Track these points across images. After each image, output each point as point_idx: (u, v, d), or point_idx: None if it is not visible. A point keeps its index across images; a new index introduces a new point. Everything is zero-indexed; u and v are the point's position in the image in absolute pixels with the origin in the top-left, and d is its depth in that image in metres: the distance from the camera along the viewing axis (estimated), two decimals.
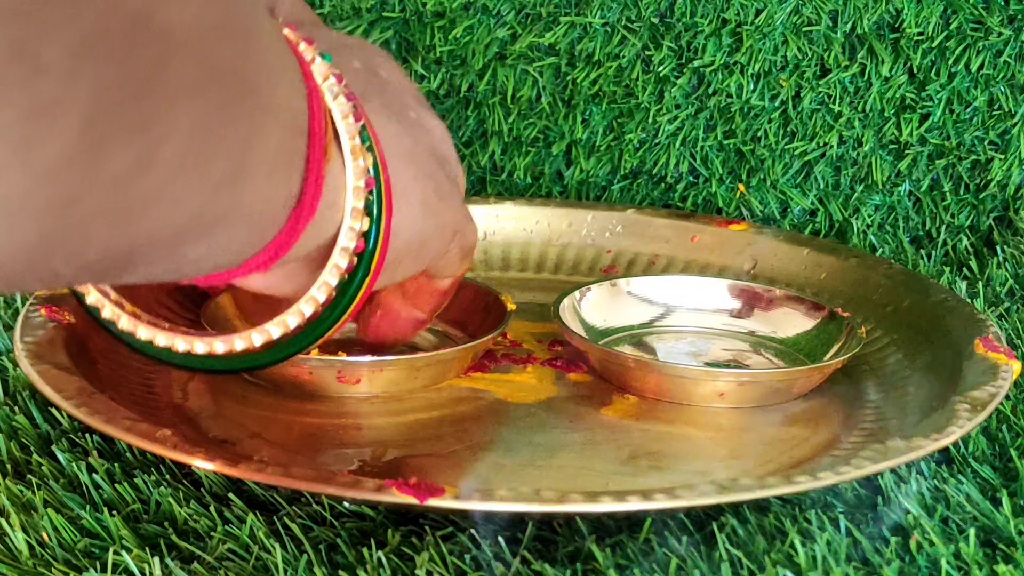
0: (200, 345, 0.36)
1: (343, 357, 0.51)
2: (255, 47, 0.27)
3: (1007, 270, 0.65)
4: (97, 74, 0.22)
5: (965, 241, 0.70)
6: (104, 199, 0.23)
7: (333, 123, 0.33)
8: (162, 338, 0.37)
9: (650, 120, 0.70)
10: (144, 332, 0.37)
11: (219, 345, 0.36)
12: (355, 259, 0.35)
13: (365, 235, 0.34)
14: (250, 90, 0.27)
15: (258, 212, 0.29)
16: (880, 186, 0.71)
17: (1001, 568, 0.39)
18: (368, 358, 0.51)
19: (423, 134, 0.40)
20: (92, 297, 0.37)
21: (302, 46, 0.32)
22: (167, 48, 0.23)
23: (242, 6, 0.27)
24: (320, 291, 0.35)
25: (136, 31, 0.22)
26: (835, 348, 0.54)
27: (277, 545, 0.39)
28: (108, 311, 0.37)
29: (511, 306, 0.54)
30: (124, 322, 0.37)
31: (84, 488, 0.43)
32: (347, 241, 0.34)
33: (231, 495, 0.42)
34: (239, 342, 0.36)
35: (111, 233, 0.24)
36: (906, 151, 0.70)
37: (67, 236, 0.23)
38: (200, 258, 0.29)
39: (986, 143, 0.70)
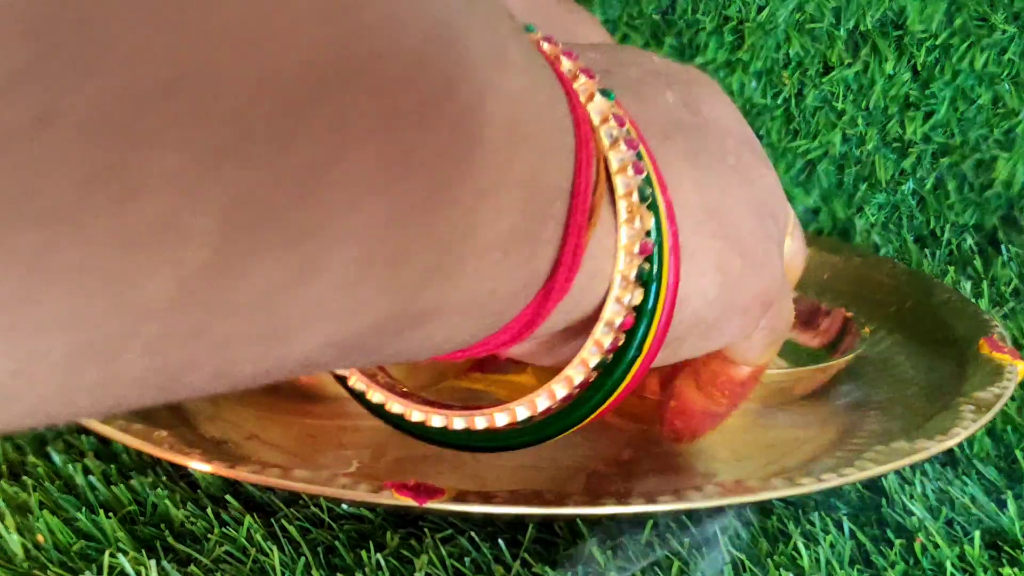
0: (458, 421, 0.33)
1: None
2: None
3: (1012, 269, 0.64)
4: (233, 179, 0.16)
5: (970, 240, 0.69)
6: (247, 322, 0.19)
7: (608, 174, 0.27)
8: (416, 414, 0.33)
9: None
10: (397, 406, 0.34)
11: (478, 420, 0.33)
12: (622, 336, 0.29)
13: (637, 309, 0.28)
14: (472, 166, 0.21)
15: (484, 301, 0.24)
16: (884, 185, 0.70)
17: (1006, 570, 0.39)
18: None
19: (740, 185, 0.32)
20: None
21: (580, 80, 0.27)
22: (342, 133, 0.18)
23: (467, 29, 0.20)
24: (576, 371, 0.30)
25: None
26: (839, 348, 0.53)
27: (275, 547, 0.39)
28: (355, 381, 0.34)
29: None
30: (376, 395, 0.34)
31: (80, 490, 0.42)
32: (612, 315, 0.28)
33: (228, 497, 0.42)
34: (480, 420, 0.32)
35: (261, 353, 0.20)
36: (910, 149, 0.70)
37: (196, 365, 0.19)
38: (419, 345, 0.24)
39: (991, 141, 0.70)
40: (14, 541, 0.39)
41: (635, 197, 0.27)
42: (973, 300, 0.58)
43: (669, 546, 0.40)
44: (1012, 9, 0.68)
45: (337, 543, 0.40)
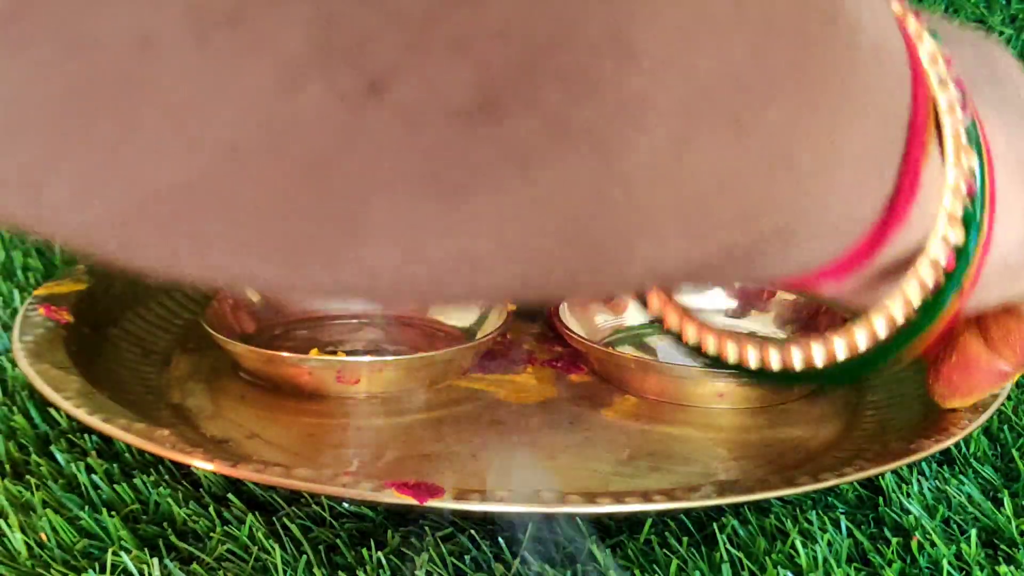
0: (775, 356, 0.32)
1: (343, 357, 0.51)
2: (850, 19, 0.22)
3: None
4: (695, 64, 0.18)
5: None
6: (685, 205, 0.20)
7: (936, 115, 0.28)
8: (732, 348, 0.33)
9: None
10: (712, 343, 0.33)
11: (794, 354, 0.32)
12: (943, 278, 0.29)
13: (959, 250, 0.29)
14: (852, 85, 0.22)
15: (842, 215, 0.25)
16: None
17: (1003, 569, 0.39)
18: (368, 358, 0.51)
19: None
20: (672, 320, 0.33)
21: (910, 21, 0.27)
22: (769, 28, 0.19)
23: None
24: (898, 308, 0.30)
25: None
26: None
27: (276, 546, 0.39)
28: (691, 334, 0.33)
29: (511, 306, 0.54)
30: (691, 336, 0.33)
31: (83, 488, 0.43)
32: (938, 254, 0.28)
33: (230, 495, 0.42)
34: (796, 355, 0.32)
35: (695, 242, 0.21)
36: None
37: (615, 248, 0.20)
38: (765, 266, 0.25)
39: None
40: (17, 540, 0.40)
41: (962, 137, 0.28)
42: None
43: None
44: (1009, 11, 0.68)
45: (338, 541, 0.40)
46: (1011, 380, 0.39)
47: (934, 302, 0.30)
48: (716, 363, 0.33)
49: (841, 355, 0.31)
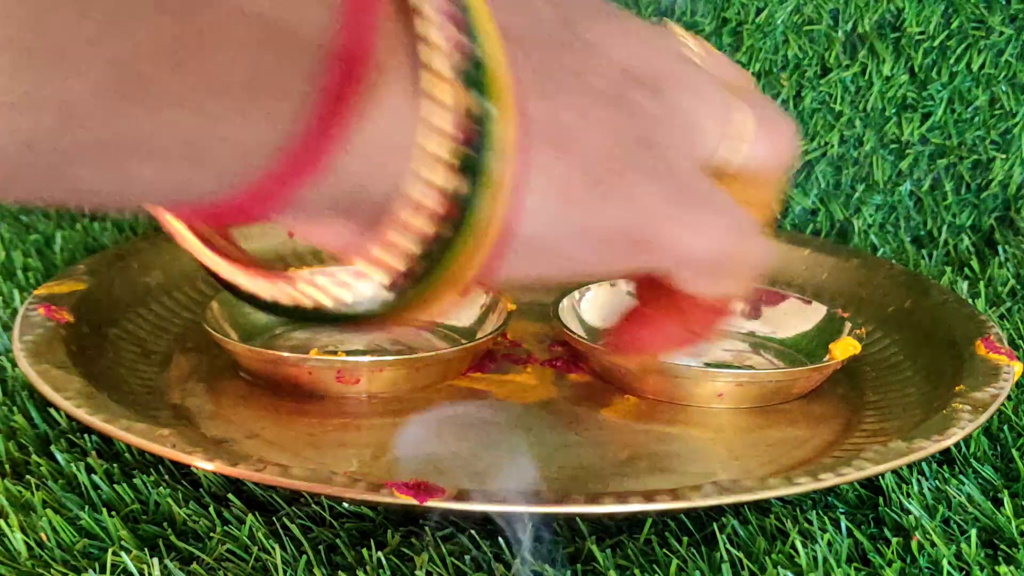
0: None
1: (343, 357, 0.51)
2: None
3: (1008, 270, 0.64)
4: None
5: (966, 241, 0.70)
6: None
7: (418, 47, 0.26)
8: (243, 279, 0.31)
9: None
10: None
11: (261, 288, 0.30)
12: (444, 228, 0.27)
13: (464, 200, 0.26)
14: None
15: (211, 144, 0.23)
16: (881, 186, 0.70)
17: (1003, 569, 0.39)
18: (368, 358, 0.51)
19: (606, 109, 0.30)
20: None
21: None
22: None
23: None
24: (395, 260, 0.27)
25: None
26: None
27: (276, 546, 0.39)
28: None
29: (511, 306, 0.54)
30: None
31: (83, 488, 0.43)
32: (419, 196, 0.26)
33: (230, 495, 0.42)
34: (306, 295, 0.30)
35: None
36: (907, 151, 0.70)
37: None
38: (156, 175, 0.23)
39: (987, 143, 0.70)
40: (17, 539, 0.40)
41: (449, 74, 0.26)
42: (970, 301, 0.58)
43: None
44: (1009, 11, 0.68)
45: (338, 541, 0.40)
46: (690, 347, 0.35)
47: (441, 255, 0.27)
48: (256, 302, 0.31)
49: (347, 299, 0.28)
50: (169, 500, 0.42)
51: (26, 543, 0.40)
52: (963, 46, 0.68)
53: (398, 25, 0.25)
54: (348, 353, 0.53)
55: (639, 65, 0.31)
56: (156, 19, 0.22)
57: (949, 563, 0.39)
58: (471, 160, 0.26)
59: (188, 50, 0.22)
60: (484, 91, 0.26)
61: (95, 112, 0.22)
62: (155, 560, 0.38)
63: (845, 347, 0.52)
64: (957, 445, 0.46)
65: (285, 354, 0.50)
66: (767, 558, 0.39)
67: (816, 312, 0.56)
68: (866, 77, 0.69)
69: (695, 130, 0.32)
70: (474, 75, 0.26)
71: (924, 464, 0.45)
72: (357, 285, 0.28)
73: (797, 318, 0.57)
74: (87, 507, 0.41)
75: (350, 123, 0.24)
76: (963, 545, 0.40)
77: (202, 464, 0.40)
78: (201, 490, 0.43)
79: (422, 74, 0.25)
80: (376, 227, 0.27)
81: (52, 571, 0.39)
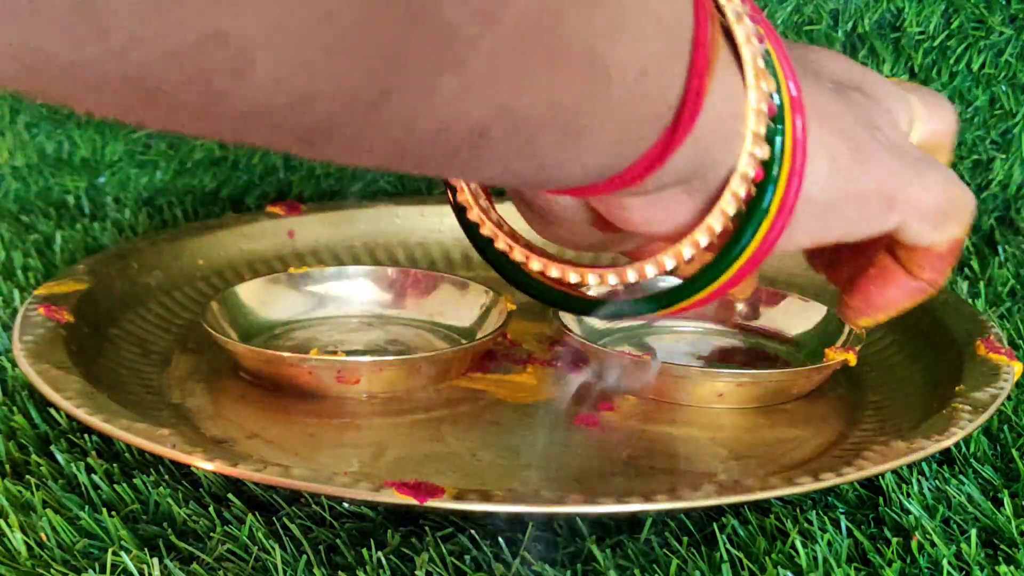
0: (572, 275, 0.36)
1: (343, 357, 0.51)
2: None
3: (1008, 270, 0.64)
4: None
5: (966, 241, 0.70)
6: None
7: (734, 43, 0.31)
8: (536, 263, 0.36)
9: None
10: (519, 254, 0.37)
11: (600, 278, 0.36)
12: (754, 189, 0.32)
13: (766, 164, 0.32)
14: None
15: (624, 122, 0.29)
16: None
17: (1003, 569, 0.39)
18: (368, 358, 0.51)
19: (839, 100, 0.37)
20: (474, 213, 0.36)
21: None
22: None
23: None
24: (715, 218, 0.33)
25: None
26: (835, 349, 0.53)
27: (276, 546, 0.39)
28: (487, 229, 0.36)
29: (511, 306, 0.54)
30: (501, 243, 0.36)
31: (83, 488, 0.43)
32: (745, 167, 0.32)
33: (230, 495, 0.42)
34: (631, 273, 0.35)
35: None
36: None
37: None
38: (563, 156, 0.28)
39: (987, 143, 0.70)
40: (17, 539, 0.40)
41: (760, 63, 0.31)
42: (970, 301, 0.58)
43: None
44: (1009, 11, 0.68)
45: (338, 541, 0.40)
46: (925, 297, 0.41)
47: (749, 212, 0.33)
48: (528, 285, 0.37)
49: (670, 266, 0.34)
50: (169, 500, 0.42)
51: (26, 543, 0.40)
52: (963, 46, 0.68)
53: (714, 22, 0.30)
54: (348, 353, 0.53)
55: (844, 76, 0.38)
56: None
57: (949, 563, 0.39)
58: (773, 131, 0.32)
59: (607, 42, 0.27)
60: (773, 72, 0.32)
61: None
62: (155, 560, 0.38)
63: (841, 354, 0.52)
64: (957, 445, 0.46)
65: (285, 354, 0.50)
66: (767, 558, 0.39)
67: (816, 312, 0.56)
68: None
69: (894, 115, 0.38)
70: (769, 59, 0.32)
71: (924, 464, 0.45)
72: (683, 252, 0.34)
73: (797, 318, 0.57)
74: (87, 507, 0.41)
75: (706, 96, 0.30)
76: (963, 545, 0.40)
77: (202, 464, 0.40)
78: (201, 490, 0.43)
79: (746, 66, 0.31)
80: (698, 208, 0.33)
81: (52, 571, 0.39)
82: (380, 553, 0.39)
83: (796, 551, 0.39)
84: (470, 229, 0.36)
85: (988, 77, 0.69)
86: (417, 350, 0.54)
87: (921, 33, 0.68)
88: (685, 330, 0.58)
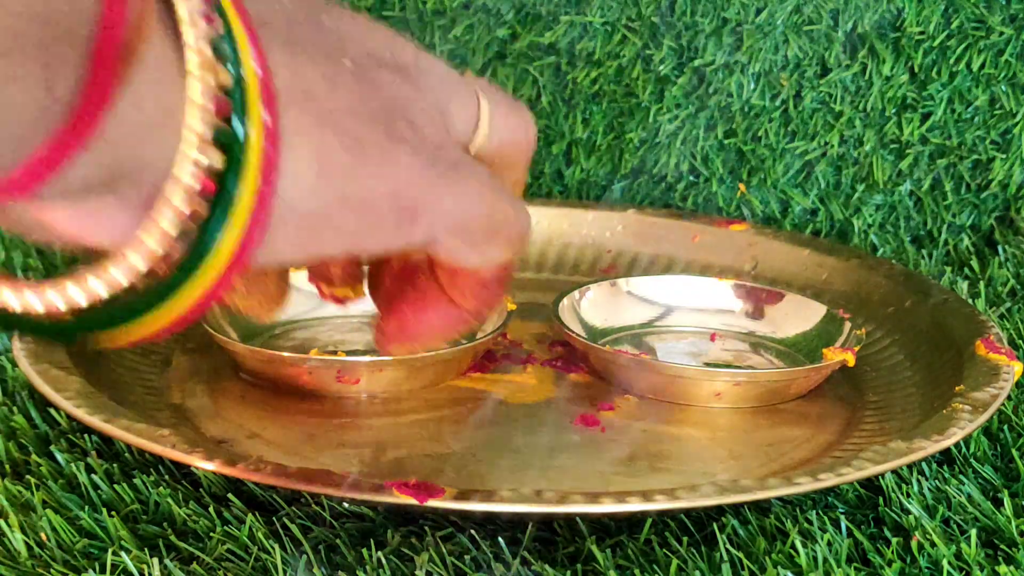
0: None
1: (343, 357, 0.51)
2: None
3: (1008, 270, 0.64)
4: None
5: (966, 241, 0.70)
6: None
7: (176, 25, 0.26)
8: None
9: (650, 119, 0.70)
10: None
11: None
12: (204, 205, 0.27)
13: (221, 176, 0.27)
14: None
15: None
16: (881, 186, 0.70)
17: (1003, 569, 0.39)
18: (368, 358, 0.51)
19: (357, 85, 0.31)
20: None
21: None
22: None
23: None
24: (152, 236, 0.27)
25: None
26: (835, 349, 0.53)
27: (276, 546, 0.39)
28: None
29: (511, 306, 0.54)
30: None
31: (83, 488, 0.43)
32: (185, 175, 0.26)
33: (230, 495, 0.42)
34: (88, 287, 0.30)
35: None
36: (907, 151, 0.70)
37: None
38: None
39: (987, 142, 0.70)
40: (18, 539, 0.40)
41: (207, 51, 0.26)
42: (970, 301, 0.58)
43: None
44: (1009, 11, 0.68)
45: (338, 541, 0.40)
46: (468, 328, 0.37)
47: (202, 233, 0.27)
48: None
49: (102, 293, 0.29)
50: (169, 500, 0.42)
51: (26, 543, 0.40)
52: (963, 46, 0.68)
53: (150, 2, 0.25)
54: (348, 353, 0.53)
55: (384, 52, 0.32)
56: None
57: (949, 563, 0.39)
58: (228, 135, 0.27)
59: None
60: (235, 63, 0.27)
61: None
62: (155, 560, 0.38)
63: (839, 354, 0.52)
64: (957, 445, 0.46)
65: (285, 354, 0.50)
66: (767, 558, 0.39)
67: (816, 312, 0.56)
68: (866, 77, 0.69)
69: (445, 112, 0.33)
70: (223, 49, 0.27)
71: (924, 464, 0.45)
72: (113, 274, 0.29)
73: (797, 318, 0.57)
74: (87, 507, 0.41)
75: (118, 89, 0.24)
76: (963, 545, 0.40)
77: (202, 464, 0.40)
78: (201, 490, 0.43)
79: (187, 54, 0.26)
80: (144, 202, 0.27)
81: (52, 571, 0.39)
82: (380, 553, 0.39)
83: (796, 551, 0.39)
84: None
85: (988, 77, 0.69)
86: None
87: (921, 33, 0.68)
88: (686, 330, 0.58)
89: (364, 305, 0.58)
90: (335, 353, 0.52)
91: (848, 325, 0.54)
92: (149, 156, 0.26)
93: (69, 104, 0.24)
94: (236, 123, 0.27)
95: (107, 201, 0.27)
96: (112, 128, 0.25)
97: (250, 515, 0.41)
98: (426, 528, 0.41)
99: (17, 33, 0.23)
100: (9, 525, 0.40)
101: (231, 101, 0.27)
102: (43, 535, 0.40)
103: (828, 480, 0.40)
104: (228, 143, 0.27)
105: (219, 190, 0.27)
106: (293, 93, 0.29)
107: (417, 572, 0.39)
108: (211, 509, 0.41)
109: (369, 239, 0.31)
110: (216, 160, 0.27)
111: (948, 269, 0.65)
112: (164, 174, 0.27)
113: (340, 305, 0.39)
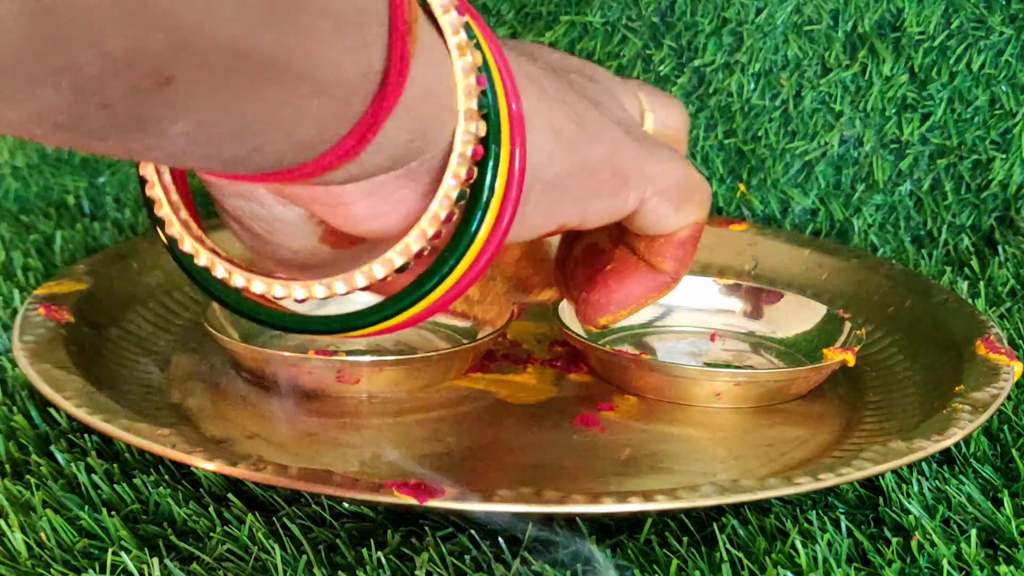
0: (279, 288, 0.32)
1: (343, 357, 0.51)
2: None
3: (1008, 270, 0.64)
4: None
5: (966, 241, 0.70)
6: None
7: (432, 15, 0.30)
8: (239, 278, 0.32)
9: None
10: (221, 270, 0.33)
11: (299, 291, 0.32)
12: (475, 169, 0.30)
13: (484, 140, 0.30)
14: None
15: (330, 72, 0.26)
16: (881, 186, 0.70)
17: (1003, 569, 0.39)
18: (368, 358, 0.51)
19: (559, 77, 0.35)
20: (174, 229, 0.33)
21: None
22: None
23: None
24: (440, 205, 0.30)
25: None
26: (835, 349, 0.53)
27: (276, 546, 0.39)
28: (188, 245, 0.33)
29: (514, 308, 0.54)
30: (203, 258, 0.33)
31: (83, 488, 0.43)
32: (463, 146, 0.30)
33: (230, 495, 0.42)
34: (339, 285, 0.31)
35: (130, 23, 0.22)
36: (907, 151, 0.70)
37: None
38: (269, 116, 0.26)
39: (987, 143, 0.70)
40: (17, 539, 0.40)
41: (462, 35, 0.30)
42: (970, 301, 0.58)
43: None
44: (1009, 11, 0.68)
45: (338, 541, 0.40)
46: (668, 290, 0.40)
47: (474, 194, 0.31)
48: (239, 304, 0.33)
49: (399, 262, 0.31)
50: (169, 500, 0.42)
51: (26, 543, 0.40)
52: (963, 46, 0.68)
53: None
54: (349, 353, 0.53)
55: (561, 63, 0.37)
56: None
57: (949, 563, 0.39)
58: (486, 103, 0.30)
59: None
60: (479, 43, 0.31)
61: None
62: (155, 560, 0.38)
63: (839, 354, 0.52)
64: (957, 445, 0.46)
65: (287, 354, 0.50)
66: (767, 558, 0.39)
67: (816, 312, 0.56)
68: (866, 77, 0.69)
69: (619, 99, 0.38)
70: (472, 32, 0.30)
71: (924, 464, 0.45)
72: (410, 245, 0.31)
73: (797, 318, 0.57)
74: (87, 507, 0.41)
75: (411, 60, 0.28)
76: (963, 545, 0.40)
77: (202, 464, 0.40)
78: (201, 490, 0.43)
79: (449, 41, 0.30)
80: (421, 198, 0.30)
81: (52, 571, 0.39)
82: (380, 553, 0.39)
83: (796, 551, 0.39)
84: (171, 244, 0.33)
85: (988, 77, 0.69)
86: (418, 350, 0.54)
87: (921, 33, 0.68)
88: (686, 330, 0.58)
89: (364, 306, 0.58)
90: (335, 353, 0.52)
91: (848, 325, 0.54)
92: (432, 130, 0.30)
93: (380, 73, 0.27)
94: (490, 94, 0.30)
95: (401, 183, 0.30)
96: (409, 96, 0.28)
97: (250, 515, 0.41)
98: (426, 528, 0.41)
99: (345, 8, 0.26)
100: (9, 525, 0.40)
101: (485, 78, 0.30)
102: (43, 535, 0.40)
103: (828, 480, 0.40)
104: (486, 112, 0.30)
105: (485, 153, 0.30)
106: (521, 77, 0.32)
107: (417, 572, 0.39)
108: (211, 509, 0.41)
109: (595, 204, 0.35)
110: (480, 128, 0.30)
111: (948, 269, 0.65)
112: (444, 148, 0.30)
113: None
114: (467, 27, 0.30)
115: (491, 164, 0.30)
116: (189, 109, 0.24)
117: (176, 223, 0.33)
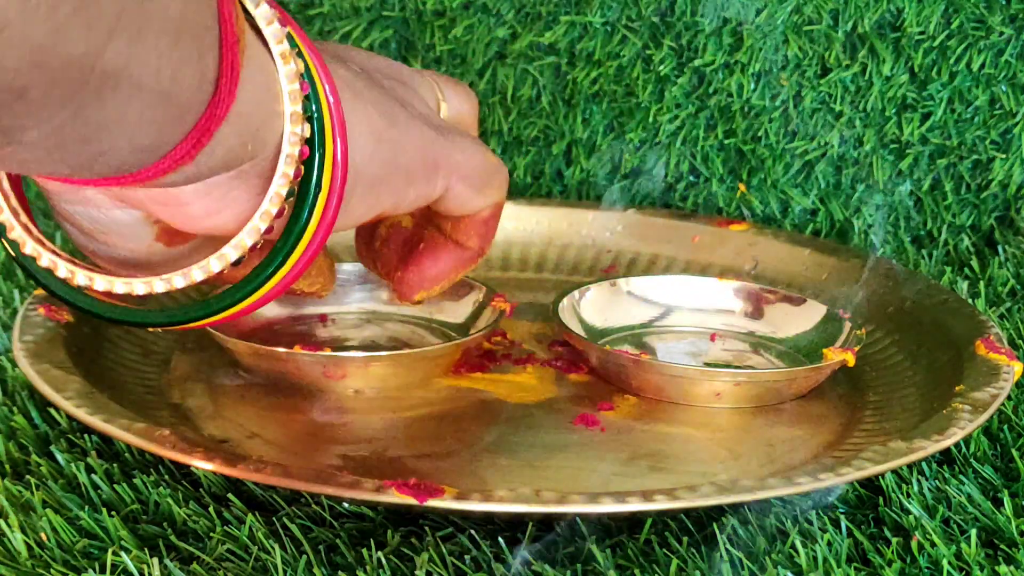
0: (120, 285, 0.34)
1: (328, 352, 0.50)
2: None
3: (1008, 270, 0.64)
4: None
5: (966, 241, 0.70)
6: None
7: (256, 27, 0.32)
8: (81, 277, 0.34)
9: (650, 120, 0.70)
10: (64, 270, 0.34)
11: (141, 286, 0.34)
12: (302, 168, 0.34)
13: (309, 142, 0.33)
14: None
15: (168, 83, 0.28)
16: (881, 186, 0.70)
17: (1003, 569, 0.39)
18: (353, 353, 0.51)
19: (373, 80, 0.39)
20: (15, 233, 0.34)
21: None
22: None
23: None
24: (271, 202, 0.33)
25: None
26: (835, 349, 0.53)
27: (276, 546, 0.39)
28: (30, 248, 0.34)
29: (503, 306, 0.54)
30: (45, 260, 0.34)
31: (83, 488, 0.43)
32: (291, 147, 0.33)
33: (230, 495, 0.42)
34: (178, 279, 0.34)
35: None
36: (907, 151, 0.70)
37: None
38: (113, 123, 0.27)
39: (987, 143, 0.70)
40: (18, 539, 0.40)
41: (285, 44, 0.32)
42: (970, 301, 0.58)
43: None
44: (1009, 11, 0.68)
45: (338, 541, 0.40)
46: (475, 264, 0.46)
47: (302, 196, 0.34)
48: (87, 304, 0.36)
49: (233, 258, 0.34)
50: (169, 500, 0.42)
51: (26, 543, 0.40)
52: (963, 46, 0.68)
53: (235, 5, 0.31)
54: (340, 349, 0.53)
55: (369, 64, 0.41)
56: None
57: (949, 563, 0.39)
58: (309, 107, 0.33)
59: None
60: (300, 52, 0.33)
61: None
62: (155, 560, 0.38)
63: (839, 354, 0.52)
64: (957, 445, 0.46)
65: (279, 349, 0.50)
66: (767, 558, 0.39)
67: (816, 312, 0.56)
68: (866, 77, 0.69)
69: (422, 96, 0.42)
70: (294, 42, 0.33)
71: (924, 464, 0.45)
72: (244, 240, 0.34)
73: (797, 318, 0.57)
74: (87, 507, 0.41)
75: (242, 68, 0.30)
76: (963, 545, 0.40)
77: (202, 464, 0.40)
78: (201, 490, 0.43)
79: (272, 46, 0.32)
80: (265, 179, 0.33)
81: (52, 571, 0.39)
82: (380, 553, 0.39)
83: (796, 551, 0.39)
84: (13, 248, 0.34)
85: (988, 77, 0.69)
86: (413, 347, 0.54)
87: (921, 33, 0.68)
88: (686, 330, 0.58)
89: (360, 303, 0.58)
90: (321, 348, 0.52)
91: (848, 325, 0.54)
92: (262, 132, 0.32)
93: (213, 83, 0.29)
94: (313, 98, 0.33)
95: (235, 183, 0.33)
96: (240, 103, 0.30)
97: (250, 515, 0.41)
98: (426, 528, 0.41)
99: (182, 22, 0.28)
100: (9, 525, 0.40)
101: (308, 83, 0.33)
102: (43, 535, 0.40)
103: (828, 480, 0.40)
104: (309, 116, 0.33)
105: (311, 153, 0.33)
106: (337, 80, 0.35)
107: (417, 572, 0.39)
108: (211, 509, 0.41)
109: (409, 192, 0.39)
110: (306, 130, 0.33)
111: (948, 269, 0.65)
112: (274, 149, 0.33)
113: (314, 297, 0.46)
114: (289, 37, 0.33)
115: (317, 162, 0.34)
116: (41, 118, 0.26)
117: (17, 227, 0.34)
